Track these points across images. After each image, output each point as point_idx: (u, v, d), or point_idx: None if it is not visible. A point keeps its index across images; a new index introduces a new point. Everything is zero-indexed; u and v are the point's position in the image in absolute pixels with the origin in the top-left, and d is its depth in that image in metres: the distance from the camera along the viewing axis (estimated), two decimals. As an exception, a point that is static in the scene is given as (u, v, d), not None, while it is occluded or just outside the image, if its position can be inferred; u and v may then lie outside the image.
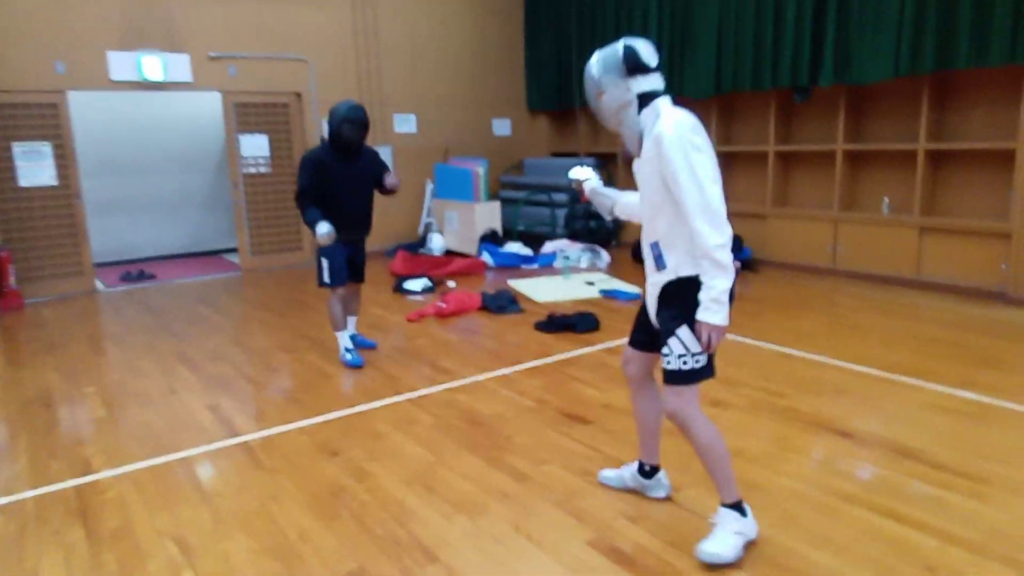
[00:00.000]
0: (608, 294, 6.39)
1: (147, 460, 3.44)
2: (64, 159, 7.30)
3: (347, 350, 4.76)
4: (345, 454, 3.41)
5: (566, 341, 5.10)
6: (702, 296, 2.20)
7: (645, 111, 2.28)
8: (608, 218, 2.86)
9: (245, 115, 8.26)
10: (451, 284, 6.51)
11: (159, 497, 3.07)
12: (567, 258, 7.37)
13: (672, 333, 2.32)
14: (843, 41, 6.37)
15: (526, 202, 8.60)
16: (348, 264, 4.70)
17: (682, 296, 2.29)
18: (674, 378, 2.34)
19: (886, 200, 6.63)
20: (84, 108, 8.81)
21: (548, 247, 8.07)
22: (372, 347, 5.07)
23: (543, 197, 8.60)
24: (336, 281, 4.62)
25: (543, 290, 6.69)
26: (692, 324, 2.28)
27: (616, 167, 9.19)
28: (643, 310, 2.59)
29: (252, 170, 8.40)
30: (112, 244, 9.49)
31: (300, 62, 8.47)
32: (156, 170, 9.68)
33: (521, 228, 8.56)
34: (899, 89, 6.37)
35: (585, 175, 2.89)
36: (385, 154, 9.00)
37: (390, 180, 4.64)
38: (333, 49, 8.67)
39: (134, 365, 4.98)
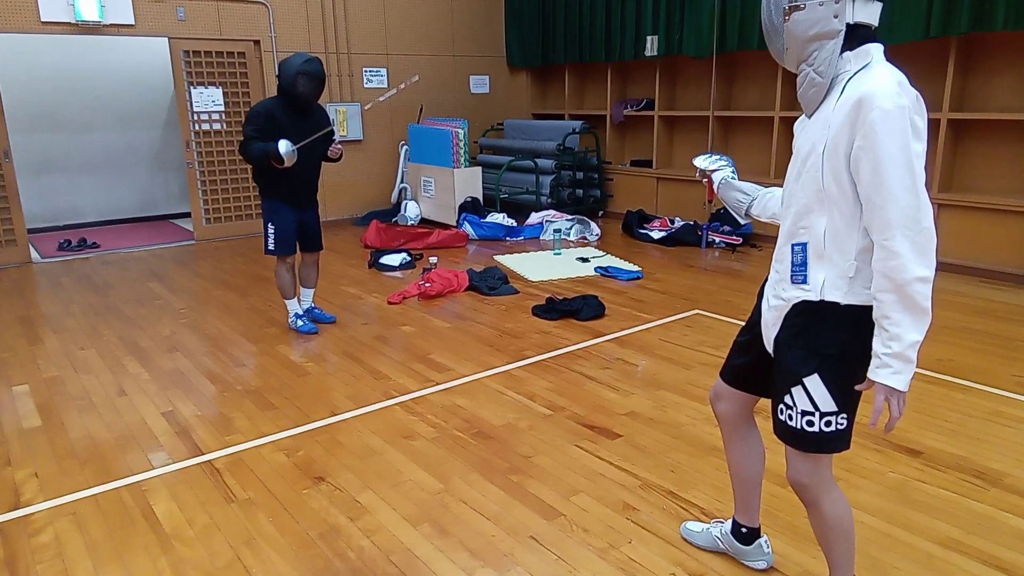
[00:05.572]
0: (604, 272, 5.88)
1: (90, 488, 2.84)
2: (-13, 112, 6.39)
3: (297, 316, 4.57)
4: (333, 479, 2.86)
5: (570, 330, 4.58)
6: (880, 348, 1.56)
7: (848, 54, 1.60)
8: (743, 220, 2.22)
9: (196, 65, 7.39)
10: (433, 260, 5.91)
11: (106, 540, 2.48)
12: (558, 231, 6.81)
13: (797, 381, 1.68)
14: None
15: (508, 168, 7.96)
16: (299, 231, 4.41)
17: (818, 329, 1.66)
18: (795, 439, 1.73)
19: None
20: (11, 54, 7.85)
21: (534, 218, 7.49)
22: (332, 321, 4.74)
23: (527, 163, 7.97)
24: (282, 250, 4.35)
25: (534, 267, 6.14)
26: (828, 374, 1.65)
27: (604, 132, 8.58)
28: (747, 330, 1.98)
29: (205, 127, 7.57)
30: (48, 208, 8.58)
31: (258, 5, 7.60)
32: (96, 126, 8.72)
33: (504, 196, 7.94)
34: (923, 52, 5.86)
35: (715, 165, 2.28)
36: (353, 112, 8.23)
37: (335, 149, 4.35)
38: (295, -8, 7.81)
39: (75, 357, 4.30)
